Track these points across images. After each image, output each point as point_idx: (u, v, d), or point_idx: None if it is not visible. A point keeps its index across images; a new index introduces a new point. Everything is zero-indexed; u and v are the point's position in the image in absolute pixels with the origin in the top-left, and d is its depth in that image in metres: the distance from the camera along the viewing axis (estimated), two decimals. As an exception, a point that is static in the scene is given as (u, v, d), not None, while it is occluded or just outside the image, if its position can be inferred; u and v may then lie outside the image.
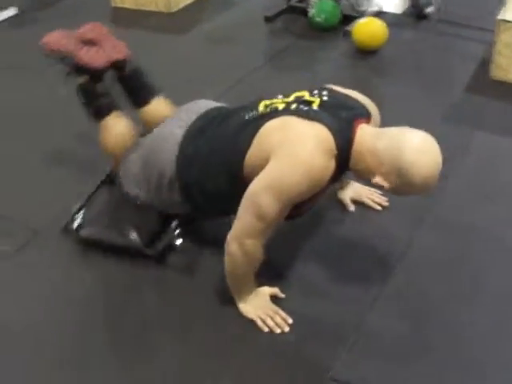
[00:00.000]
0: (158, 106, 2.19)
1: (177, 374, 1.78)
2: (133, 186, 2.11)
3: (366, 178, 1.87)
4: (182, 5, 4.19)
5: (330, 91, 1.93)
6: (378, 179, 1.77)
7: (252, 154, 1.81)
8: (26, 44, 2.89)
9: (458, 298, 1.97)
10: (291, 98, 1.90)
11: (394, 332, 1.86)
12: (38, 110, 2.96)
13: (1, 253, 2.19)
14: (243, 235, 1.79)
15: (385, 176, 1.76)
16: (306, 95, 1.89)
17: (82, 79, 2.14)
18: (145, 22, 3.93)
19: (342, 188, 2.33)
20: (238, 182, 1.84)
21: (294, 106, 1.85)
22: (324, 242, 2.21)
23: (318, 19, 3.56)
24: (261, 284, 1.97)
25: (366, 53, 3.33)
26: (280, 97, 1.93)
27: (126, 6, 4.23)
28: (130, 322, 1.94)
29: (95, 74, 2.14)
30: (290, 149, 1.72)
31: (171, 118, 2.13)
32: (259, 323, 1.90)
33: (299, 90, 1.93)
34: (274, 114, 1.84)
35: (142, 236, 2.11)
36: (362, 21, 3.34)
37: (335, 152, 1.74)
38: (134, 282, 2.08)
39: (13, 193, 2.48)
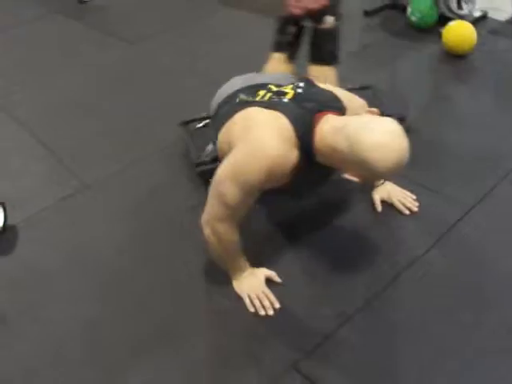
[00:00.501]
0: (322, 72, 2.44)
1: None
2: None
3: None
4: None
5: (308, 84, 1.96)
6: (346, 174, 1.75)
7: (220, 139, 1.93)
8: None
9: (447, 325, 1.88)
10: (276, 89, 1.95)
11: (365, 344, 1.83)
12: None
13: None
14: (213, 219, 1.86)
15: (351, 171, 1.73)
16: (289, 87, 1.93)
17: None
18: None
19: (375, 187, 2.31)
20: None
21: (268, 96, 1.90)
22: (336, 237, 2.21)
23: (413, 18, 3.47)
24: (262, 265, 2.03)
25: (453, 57, 3.20)
26: (278, 87, 1.98)
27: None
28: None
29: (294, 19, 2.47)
30: (249, 138, 1.77)
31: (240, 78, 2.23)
32: (247, 302, 1.96)
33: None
34: (249, 103, 1.89)
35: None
36: (452, 24, 3.21)
37: (295, 141, 1.76)
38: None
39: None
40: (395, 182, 2.30)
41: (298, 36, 2.53)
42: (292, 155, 1.76)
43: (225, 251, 1.95)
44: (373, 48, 3.41)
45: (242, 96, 1.99)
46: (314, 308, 1.95)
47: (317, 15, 2.43)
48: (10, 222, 2.30)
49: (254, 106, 1.87)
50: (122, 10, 4.01)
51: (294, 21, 2.49)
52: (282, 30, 2.53)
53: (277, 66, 2.54)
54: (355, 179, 1.73)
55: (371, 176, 1.77)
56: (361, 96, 2.23)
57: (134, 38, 3.63)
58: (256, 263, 2.04)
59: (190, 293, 2.01)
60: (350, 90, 2.47)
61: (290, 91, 1.91)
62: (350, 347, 1.81)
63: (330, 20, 2.48)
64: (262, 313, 1.92)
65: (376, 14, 3.77)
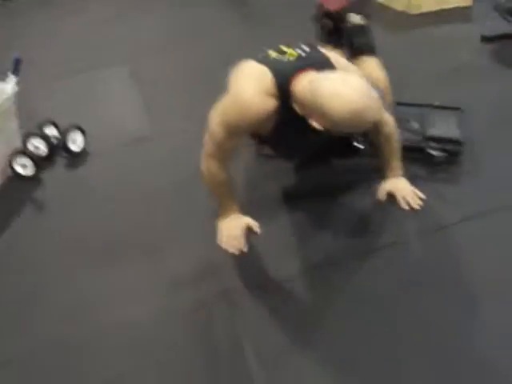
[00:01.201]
0: (362, 64, 2.66)
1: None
2: None
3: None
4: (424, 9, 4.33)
5: (312, 49, 2.13)
6: (314, 122, 1.92)
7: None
8: None
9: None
10: (284, 50, 2.14)
11: (307, 298, 1.97)
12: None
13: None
14: (206, 155, 2.15)
15: (316, 120, 1.90)
16: (295, 50, 2.11)
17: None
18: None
19: (385, 178, 2.38)
20: None
21: (274, 55, 2.11)
22: (329, 209, 2.36)
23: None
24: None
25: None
26: (287, 48, 2.16)
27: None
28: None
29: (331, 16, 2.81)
30: (234, 88, 2.04)
31: None
32: (218, 237, 2.22)
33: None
34: (257, 59, 2.11)
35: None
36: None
37: (275, 91, 1.97)
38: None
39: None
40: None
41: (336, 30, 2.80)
42: (268, 103, 1.98)
43: (216, 188, 2.21)
44: (462, 71, 3.38)
45: (260, 55, 2.20)
46: (277, 258, 2.12)
47: (338, 16, 2.74)
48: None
49: (253, 60, 2.11)
50: None
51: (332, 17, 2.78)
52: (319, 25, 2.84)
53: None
54: (318, 127, 1.91)
55: (331, 126, 1.88)
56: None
57: None
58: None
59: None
60: (436, 107, 2.73)
61: (294, 53, 2.11)
62: (290, 295, 1.96)
63: (354, 18, 2.72)
64: (226, 250, 2.16)
65: (495, 41, 3.71)
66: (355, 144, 2.46)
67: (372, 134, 2.29)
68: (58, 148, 2.96)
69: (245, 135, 2.14)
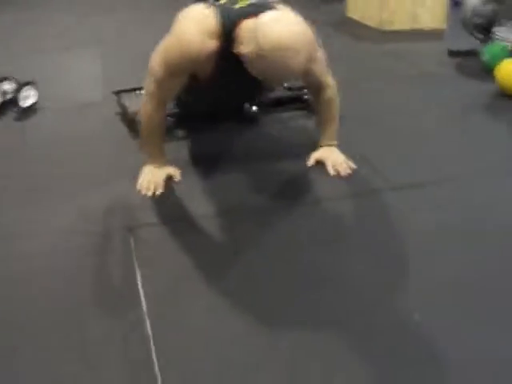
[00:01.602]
0: None
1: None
2: None
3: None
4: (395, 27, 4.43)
5: None
6: (249, 65, 1.95)
7: None
8: None
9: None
10: None
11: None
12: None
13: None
14: (145, 96, 2.18)
15: (250, 59, 1.92)
16: None
17: None
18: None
19: (318, 145, 2.40)
20: None
21: (224, 1, 2.15)
22: (257, 167, 2.37)
23: (483, 59, 3.44)
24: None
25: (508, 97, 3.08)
26: None
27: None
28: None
29: None
30: (176, 27, 2.07)
31: None
32: (139, 181, 2.21)
33: None
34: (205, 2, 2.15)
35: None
36: (506, 60, 3.12)
37: (218, 32, 2.00)
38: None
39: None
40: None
41: None
42: (209, 44, 2.01)
43: (149, 132, 2.21)
44: (435, 78, 3.46)
45: (210, 1, 2.25)
46: (193, 201, 2.12)
47: None
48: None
49: (201, 4, 2.13)
50: None
51: None
52: None
53: None
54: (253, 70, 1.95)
55: (262, 60, 1.87)
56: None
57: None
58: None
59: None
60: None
61: (245, 1, 2.14)
62: (199, 233, 1.94)
63: None
64: (143, 192, 2.16)
65: (461, 56, 3.78)
66: (248, 107, 2.52)
67: (313, 95, 2.33)
68: (10, 103, 2.97)
69: (184, 76, 2.12)
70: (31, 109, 2.96)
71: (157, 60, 2.09)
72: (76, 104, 3.07)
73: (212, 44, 2.01)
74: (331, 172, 2.30)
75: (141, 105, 2.21)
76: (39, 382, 1.37)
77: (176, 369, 1.40)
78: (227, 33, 2.01)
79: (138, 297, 1.63)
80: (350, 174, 2.29)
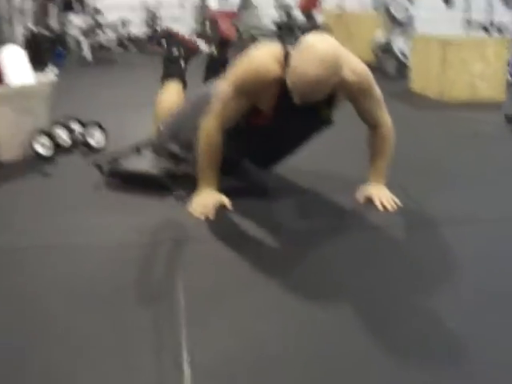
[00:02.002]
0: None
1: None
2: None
3: None
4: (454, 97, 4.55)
5: None
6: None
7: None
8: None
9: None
10: None
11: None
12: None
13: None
14: (209, 115, 2.33)
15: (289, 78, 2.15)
16: None
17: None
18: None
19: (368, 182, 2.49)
20: None
21: None
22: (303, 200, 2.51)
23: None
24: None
25: None
26: None
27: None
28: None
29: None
30: (245, 56, 2.31)
31: None
32: (191, 205, 2.35)
33: None
34: None
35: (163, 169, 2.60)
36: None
37: (281, 60, 2.21)
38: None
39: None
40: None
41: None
42: (275, 66, 2.22)
43: (207, 152, 2.33)
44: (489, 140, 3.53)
45: None
46: (237, 225, 2.24)
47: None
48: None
49: None
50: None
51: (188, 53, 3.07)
52: (173, 62, 3.05)
53: (176, 91, 2.96)
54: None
55: (297, 77, 2.09)
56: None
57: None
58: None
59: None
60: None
61: None
62: (241, 251, 2.05)
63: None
64: (195, 215, 2.29)
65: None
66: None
67: (369, 131, 2.42)
68: (79, 142, 3.22)
69: (249, 98, 2.26)
70: (99, 148, 3.20)
71: (226, 80, 2.29)
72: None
73: (276, 67, 2.21)
74: (379, 207, 2.38)
75: (202, 123, 2.34)
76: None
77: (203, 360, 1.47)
78: (287, 60, 2.19)
79: (178, 298, 1.73)
80: (395, 210, 2.36)
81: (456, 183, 2.73)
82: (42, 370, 1.41)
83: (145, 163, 2.65)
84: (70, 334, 1.56)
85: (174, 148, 2.60)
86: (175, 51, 3.03)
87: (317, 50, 2.07)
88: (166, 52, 3.10)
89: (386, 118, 2.42)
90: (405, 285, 1.83)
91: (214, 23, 3.36)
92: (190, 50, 3.07)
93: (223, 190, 2.39)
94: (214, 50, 3.04)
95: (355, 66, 2.28)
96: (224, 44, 3.07)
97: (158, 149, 2.68)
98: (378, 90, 2.37)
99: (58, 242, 2.12)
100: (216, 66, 2.91)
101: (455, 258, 2.02)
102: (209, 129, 2.31)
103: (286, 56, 2.21)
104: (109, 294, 1.76)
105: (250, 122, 2.35)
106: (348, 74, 2.23)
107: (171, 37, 3.11)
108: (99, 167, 2.66)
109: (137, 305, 1.70)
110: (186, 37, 3.19)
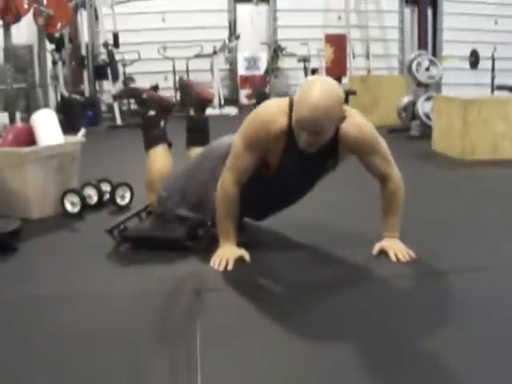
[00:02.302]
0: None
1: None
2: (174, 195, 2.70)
3: None
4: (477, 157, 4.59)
5: None
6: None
7: None
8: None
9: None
10: None
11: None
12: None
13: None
14: (225, 170, 2.43)
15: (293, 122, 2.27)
16: None
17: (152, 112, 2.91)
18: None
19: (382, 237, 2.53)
20: None
21: None
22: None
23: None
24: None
25: None
26: None
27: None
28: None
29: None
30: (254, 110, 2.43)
31: None
32: (213, 257, 2.42)
33: None
34: None
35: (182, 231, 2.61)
36: None
37: (287, 111, 2.31)
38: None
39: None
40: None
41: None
42: (281, 117, 2.33)
43: (224, 205, 2.42)
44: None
45: None
46: (257, 276, 2.32)
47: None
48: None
49: None
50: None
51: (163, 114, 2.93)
52: (153, 126, 2.90)
53: (164, 155, 2.88)
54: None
55: (298, 119, 2.21)
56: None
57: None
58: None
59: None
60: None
61: None
62: (254, 300, 2.12)
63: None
64: (215, 267, 2.36)
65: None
66: None
67: (380, 185, 2.49)
68: (107, 201, 3.34)
69: (259, 151, 2.36)
70: (127, 207, 3.31)
71: (238, 138, 2.40)
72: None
73: (283, 118, 2.31)
74: (393, 258, 2.41)
75: (219, 182, 2.43)
76: None
77: None
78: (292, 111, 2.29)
79: (194, 339, 1.80)
80: (409, 261, 2.40)
81: (472, 236, 2.75)
82: None
83: (156, 227, 2.68)
84: (89, 374, 1.63)
85: (183, 212, 2.63)
86: (152, 112, 2.92)
87: (315, 85, 2.23)
88: (142, 116, 2.97)
89: (394, 173, 2.48)
90: (411, 331, 1.86)
91: (186, 88, 2.98)
92: (166, 107, 2.97)
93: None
94: (192, 111, 2.98)
95: (359, 122, 2.38)
96: (202, 105, 3.00)
97: (164, 215, 2.68)
98: (383, 146, 2.45)
99: (82, 291, 2.21)
100: (196, 129, 2.94)
101: (466, 306, 2.04)
102: (225, 183, 2.41)
103: (292, 106, 2.30)
104: (127, 338, 1.83)
105: (258, 173, 2.43)
106: (351, 129, 2.33)
107: (143, 97, 2.97)
108: (111, 233, 2.66)
109: (154, 346, 1.78)
110: (157, 94, 3.16)
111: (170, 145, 2.94)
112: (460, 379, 1.59)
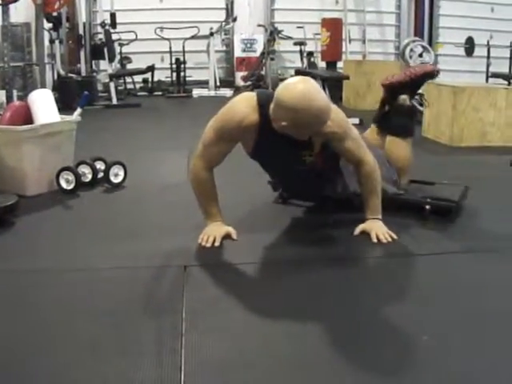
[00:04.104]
0: (394, 143, 3.04)
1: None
2: None
3: None
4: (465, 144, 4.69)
5: None
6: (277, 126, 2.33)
7: None
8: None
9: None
10: None
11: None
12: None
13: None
14: (194, 157, 2.54)
15: (275, 119, 2.32)
16: None
17: None
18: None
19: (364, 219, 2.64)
20: None
21: None
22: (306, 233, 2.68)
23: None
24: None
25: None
26: None
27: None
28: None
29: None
30: (226, 105, 2.52)
31: None
32: (200, 236, 2.52)
33: None
34: None
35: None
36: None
37: (257, 107, 2.41)
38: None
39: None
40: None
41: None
42: (251, 114, 2.41)
43: (198, 188, 2.54)
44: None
45: None
46: (241, 253, 2.42)
47: (394, 91, 3.04)
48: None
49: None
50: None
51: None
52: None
53: (373, 136, 3.10)
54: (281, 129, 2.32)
55: (284, 117, 2.28)
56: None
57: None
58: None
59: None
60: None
61: None
62: (241, 276, 2.24)
63: (403, 98, 3.05)
64: (203, 244, 2.47)
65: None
66: None
67: (356, 172, 2.59)
68: (101, 179, 3.43)
69: (230, 143, 2.49)
70: (119, 185, 3.41)
71: (208, 126, 2.50)
72: (158, 186, 3.47)
73: (253, 115, 2.41)
74: (374, 240, 2.52)
75: (189, 167, 2.56)
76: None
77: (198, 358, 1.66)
78: (264, 107, 2.39)
79: (181, 310, 1.91)
80: (390, 242, 2.50)
81: (455, 219, 2.84)
82: (49, 371, 1.60)
83: None
84: (78, 344, 1.73)
85: None
86: None
87: (296, 85, 2.30)
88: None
89: (368, 157, 2.58)
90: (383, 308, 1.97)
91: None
92: None
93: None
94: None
95: (332, 117, 2.41)
96: None
97: None
98: (355, 132, 2.57)
99: (74, 265, 2.30)
100: None
101: (449, 284, 2.16)
102: (196, 169, 2.53)
103: (262, 103, 2.39)
104: (115, 309, 1.95)
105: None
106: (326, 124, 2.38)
107: None
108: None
109: (141, 317, 1.89)
110: None
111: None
112: (430, 356, 1.69)
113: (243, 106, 2.45)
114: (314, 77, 8.19)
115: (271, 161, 2.60)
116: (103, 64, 8.06)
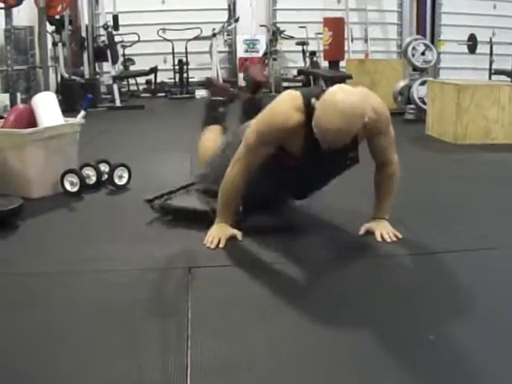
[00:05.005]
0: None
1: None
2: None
3: None
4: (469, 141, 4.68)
5: None
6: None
7: None
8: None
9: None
10: None
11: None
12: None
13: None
14: (234, 160, 2.48)
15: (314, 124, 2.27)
16: None
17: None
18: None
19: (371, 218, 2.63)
20: None
21: None
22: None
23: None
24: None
25: None
26: None
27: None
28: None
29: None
30: (268, 107, 2.48)
31: None
32: (206, 237, 2.52)
33: None
34: None
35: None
36: None
37: (302, 108, 2.33)
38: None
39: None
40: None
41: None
42: (295, 115, 2.34)
43: (228, 193, 2.50)
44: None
45: None
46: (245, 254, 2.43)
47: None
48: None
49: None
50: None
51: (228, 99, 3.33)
52: (213, 108, 3.29)
53: (215, 134, 3.17)
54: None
55: (322, 127, 2.22)
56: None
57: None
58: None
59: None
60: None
61: None
62: (245, 279, 2.24)
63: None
64: (208, 245, 2.47)
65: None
66: None
67: (377, 169, 2.56)
68: (105, 182, 3.43)
69: (272, 146, 2.41)
70: (124, 187, 3.41)
71: (251, 129, 2.45)
72: (163, 187, 3.35)
73: (297, 116, 2.34)
74: (378, 238, 2.52)
75: (228, 170, 2.49)
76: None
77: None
78: (309, 107, 2.31)
79: (187, 311, 1.92)
80: (394, 241, 2.51)
81: (460, 218, 2.86)
82: (55, 372, 1.61)
83: (192, 201, 2.84)
84: (86, 343, 1.74)
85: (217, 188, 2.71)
86: (216, 99, 3.27)
87: (338, 104, 2.19)
88: (207, 100, 3.37)
89: (394, 158, 2.56)
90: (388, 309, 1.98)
91: (246, 69, 3.43)
92: (230, 97, 3.31)
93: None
94: (248, 94, 3.24)
95: (376, 105, 2.40)
96: (257, 87, 3.23)
97: (204, 189, 2.88)
98: (392, 130, 2.52)
99: (79, 267, 2.30)
100: (251, 108, 3.03)
101: (450, 286, 2.15)
102: (234, 174, 2.46)
103: (308, 103, 2.32)
104: (121, 310, 1.96)
105: (281, 163, 2.48)
106: (370, 114, 2.31)
107: (212, 85, 3.38)
108: (150, 203, 2.83)
109: (147, 318, 1.90)
110: (224, 84, 3.55)
111: (224, 129, 3.21)
112: (438, 354, 1.71)
113: (287, 106, 2.38)
114: (317, 77, 8.31)
115: (317, 161, 2.44)
116: (106, 66, 8.07)
